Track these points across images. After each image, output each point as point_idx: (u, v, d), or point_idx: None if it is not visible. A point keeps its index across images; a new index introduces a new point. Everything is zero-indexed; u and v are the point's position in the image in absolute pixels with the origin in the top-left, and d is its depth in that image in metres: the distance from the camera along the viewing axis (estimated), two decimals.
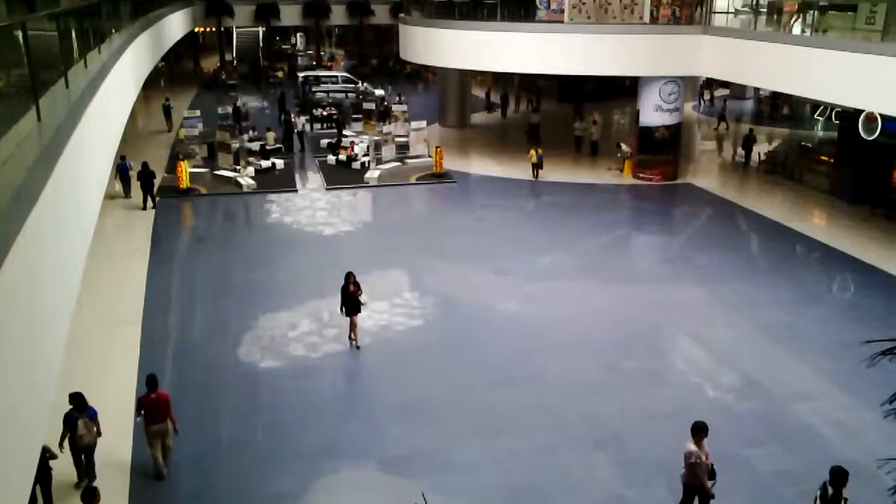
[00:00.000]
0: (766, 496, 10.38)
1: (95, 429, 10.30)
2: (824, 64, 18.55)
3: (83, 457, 10.45)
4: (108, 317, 15.37)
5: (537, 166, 26.21)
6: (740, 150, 29.21)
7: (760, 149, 29.11)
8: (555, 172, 26.62)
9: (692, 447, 9.30)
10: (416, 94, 43.21)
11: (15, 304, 4.73)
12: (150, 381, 10.56)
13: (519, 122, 36.23)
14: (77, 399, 10.24)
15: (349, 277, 14.14)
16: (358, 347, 14.30)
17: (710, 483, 9.40)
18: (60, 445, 10.13)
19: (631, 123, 31.79)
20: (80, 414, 10.16)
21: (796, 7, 23.29)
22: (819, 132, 30.54)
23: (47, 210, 6.04)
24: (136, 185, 23.08)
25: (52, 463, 9.84)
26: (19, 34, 6.66)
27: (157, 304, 16.21)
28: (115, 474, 10.59)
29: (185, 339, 14.84)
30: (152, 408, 10.50)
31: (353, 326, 14.33)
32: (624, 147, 26.86)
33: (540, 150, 26.28)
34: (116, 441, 11.06)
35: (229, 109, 31.52)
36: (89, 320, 14.46)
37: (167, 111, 34.13)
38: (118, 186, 23.39)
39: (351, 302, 14.09)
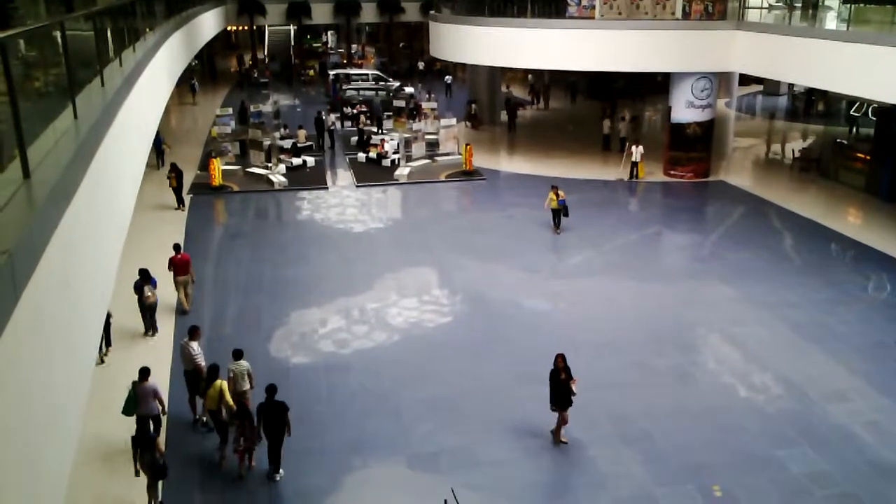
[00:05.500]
0: (797, 497, 10.24)
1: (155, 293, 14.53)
2: (861, 59, 18.22)
3: (149, 315, 14.57)
4: None
5: (559, 213, 20.24)
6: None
7: (795, 146, 28.68)
8: (585, 170, 26.44)
9: None
10: (445, 91, 43.15)
11: (52, 300, 4.84)
12: (176, 247, 15.74)
13: (550, 119, 36.08)
14: (143, 273, 14.41)
15: (559, 361, 11.29)
16: (565, 443, 11.50)
17: None
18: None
19: (662, 120, 31.50)
20: (145, 282, 14.28)
21: None
22: (855, 129, 29.96)
23: (83, 207, 6.15)
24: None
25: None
26: (57, 34, 6.80)
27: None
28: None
29: (217, 334, 15.01)
30: (178, 264, 15.36)
31: (560, 422, 11.44)
32: (633, 149, 25.39)
33: (562, 194, 20.02)
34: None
35: (261, 108, 31.88)
36: (124, 313, 14.70)
37: (193, 88, 43.79)
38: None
39: (562, 393, 11.27)
